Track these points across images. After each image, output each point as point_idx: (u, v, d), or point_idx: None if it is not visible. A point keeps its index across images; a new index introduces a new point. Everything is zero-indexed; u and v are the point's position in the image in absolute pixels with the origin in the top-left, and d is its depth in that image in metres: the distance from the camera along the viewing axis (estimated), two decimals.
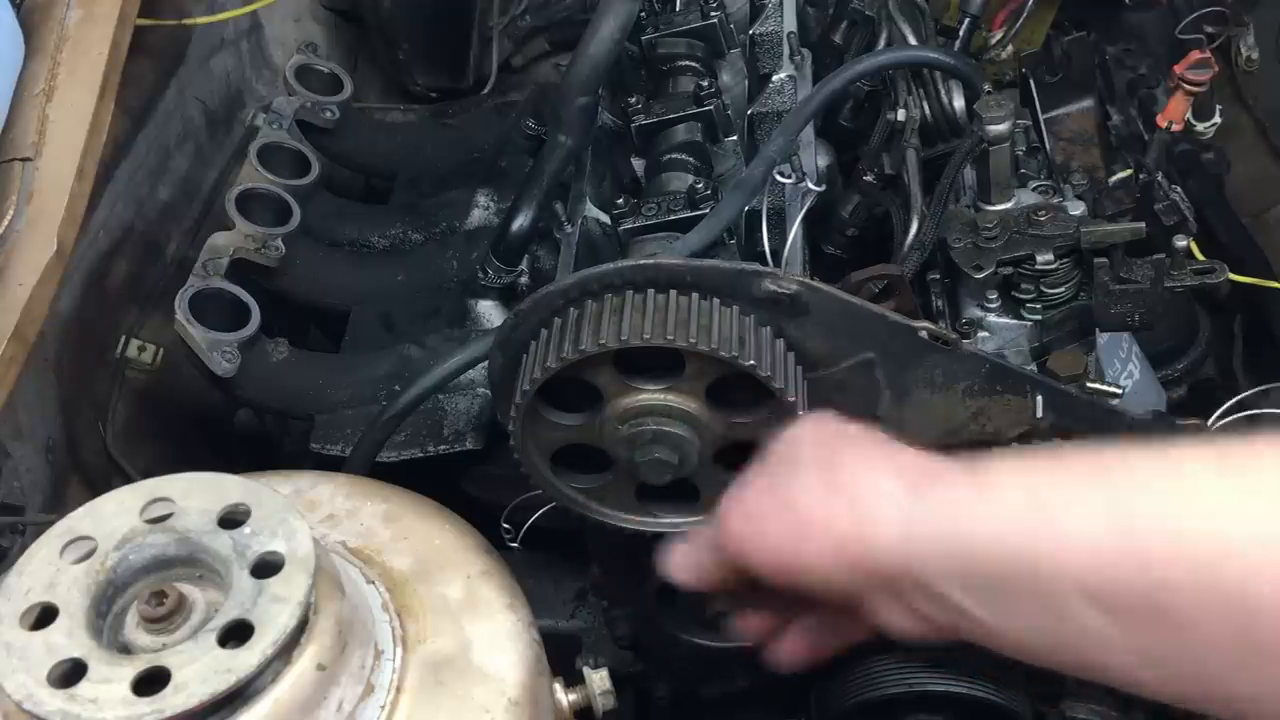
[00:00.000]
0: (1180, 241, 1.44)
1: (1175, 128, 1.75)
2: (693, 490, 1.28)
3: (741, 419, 1.22)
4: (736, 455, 1.19)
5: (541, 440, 1.27)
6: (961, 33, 1.88)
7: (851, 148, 1.77)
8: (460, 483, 1.64)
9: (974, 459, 0.97)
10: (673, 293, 1.16)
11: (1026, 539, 0.86)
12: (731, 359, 1.14)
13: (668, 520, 1.31)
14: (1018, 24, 1.98)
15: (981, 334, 1.46)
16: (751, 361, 1.14)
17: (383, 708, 0.99)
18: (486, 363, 1.31)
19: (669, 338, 1.13)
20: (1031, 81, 1.93)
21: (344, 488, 1.22)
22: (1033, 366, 1.41)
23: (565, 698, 1.19)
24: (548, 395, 1.23)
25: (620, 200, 1.52)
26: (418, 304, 1.80)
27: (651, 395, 1.20)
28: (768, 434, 1.12)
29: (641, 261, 1.20)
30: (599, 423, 1.23)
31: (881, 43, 1.81)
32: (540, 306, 1.20)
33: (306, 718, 0.92)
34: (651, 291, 1.17)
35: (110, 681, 0.87)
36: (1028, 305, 1.44)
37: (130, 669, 0.87)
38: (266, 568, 0.92)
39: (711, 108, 1.62)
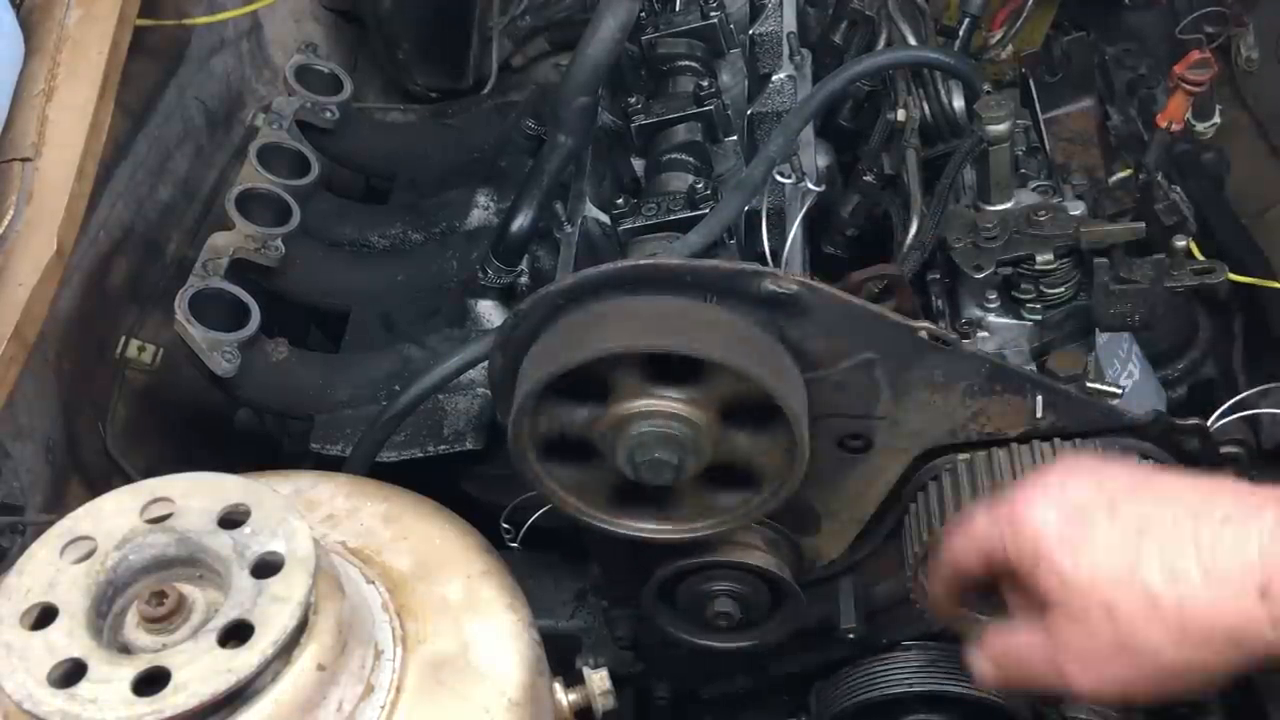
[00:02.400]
0: (1180, 241, 1.44)
1: (1175, 128, 1.75)
2: (746, 470, 1.26)
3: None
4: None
5: (563, 482, 1.28)
6: (961, 33, 1.88)
7: (851, 148, 1.77)
8: (460, 483, 1.64)
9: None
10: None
11: None
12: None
13: (738, 509, 1.29)
14: (1018, 24, 1.98)
15: (981, 334, 1.46)
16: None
17: (383, 708, 0.99)
18: (486, 363, 1.31)
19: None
20: (1031, 81, 1.93)
21: (344, 488, 1.22)
22: (1032, 366, 1.41)
23: (565, 698, 1.19)
24: (556, 456, 1.24)
25: (620, 200, 1.52)
26: (418, 304, 1.80)
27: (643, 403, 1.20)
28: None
29: (641, 261, 1.20)
30: (603, 458, 1.23)
31: (881, 43, 1.81)
32: (540, 306, 1.20)
33: (306, 718, 0.92)
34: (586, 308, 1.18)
35: (110, 681, 0.87)
36: (1028, 305, 1.44)
37: (130, 669, 0.87)
38: (266, 568, 0.92)
39: (711, 108, 1.62)
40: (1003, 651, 1.06)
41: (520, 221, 1.59)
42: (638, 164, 1.71)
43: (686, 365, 1.15)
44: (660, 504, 1.28)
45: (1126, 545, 0.94)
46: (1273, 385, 1.61)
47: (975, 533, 1.04)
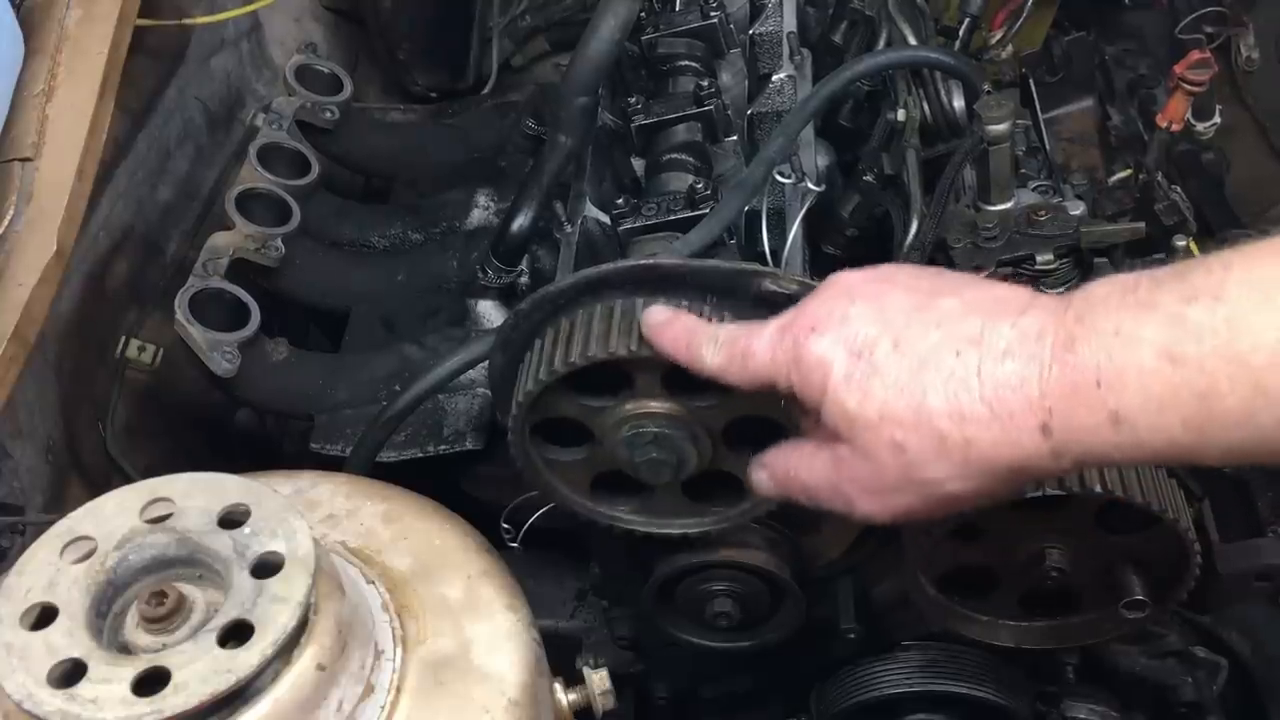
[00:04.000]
0: (1180, 241, 1.44)
1: (1175, 128, 1.75)
2: (734, 480, 1.28)
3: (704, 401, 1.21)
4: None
5: (568, 476, 1.29)
6: (961, 33, 1.88)
7: (851, 148, 1.77)
8: (460, 483, 1.65)
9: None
10: (580, 313, 1.18)
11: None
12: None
13: (718, 514, 1.31)
14: (1018, 24, 1.98)
15: None
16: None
17: (383, 708, 0.99)
18: (486, 363, 1.32)
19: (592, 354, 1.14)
20: (1031, 81, 1.94)
21: (344, 488, 1.22)
22: None
23: (565, 698, 1.19)
24: (547, 434, 1.25)
25: (620, 200, 1.52)
26: (418, 304, 1.80)
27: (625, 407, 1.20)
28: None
29: (641, 261, 1.20)
30: (599, 446, 1.24)
31: (881, 43, 1.81)
32: (540, 306, 1.20)
33: (306, 718, 0.92)
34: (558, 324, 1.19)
35: (110, 681, 0.87)
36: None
37: (130, 669, 0.87)
38: (266, 568, 0.92)
39: (711, 108, 1.62)
40: (786, 468, 1.08)
41: (520, 221, 1.59)
42: (638, 164, 1.70)
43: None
44: (642, 497, 1.29)
45: (911, 382, 0.93)
46: None
47: (759, 365, 1.03)
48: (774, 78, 1.71)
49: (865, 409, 0.95)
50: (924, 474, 0.95)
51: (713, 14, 1.72)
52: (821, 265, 1.66)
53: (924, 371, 0.93)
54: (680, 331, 1.10)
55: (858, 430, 0.97)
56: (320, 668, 0.92)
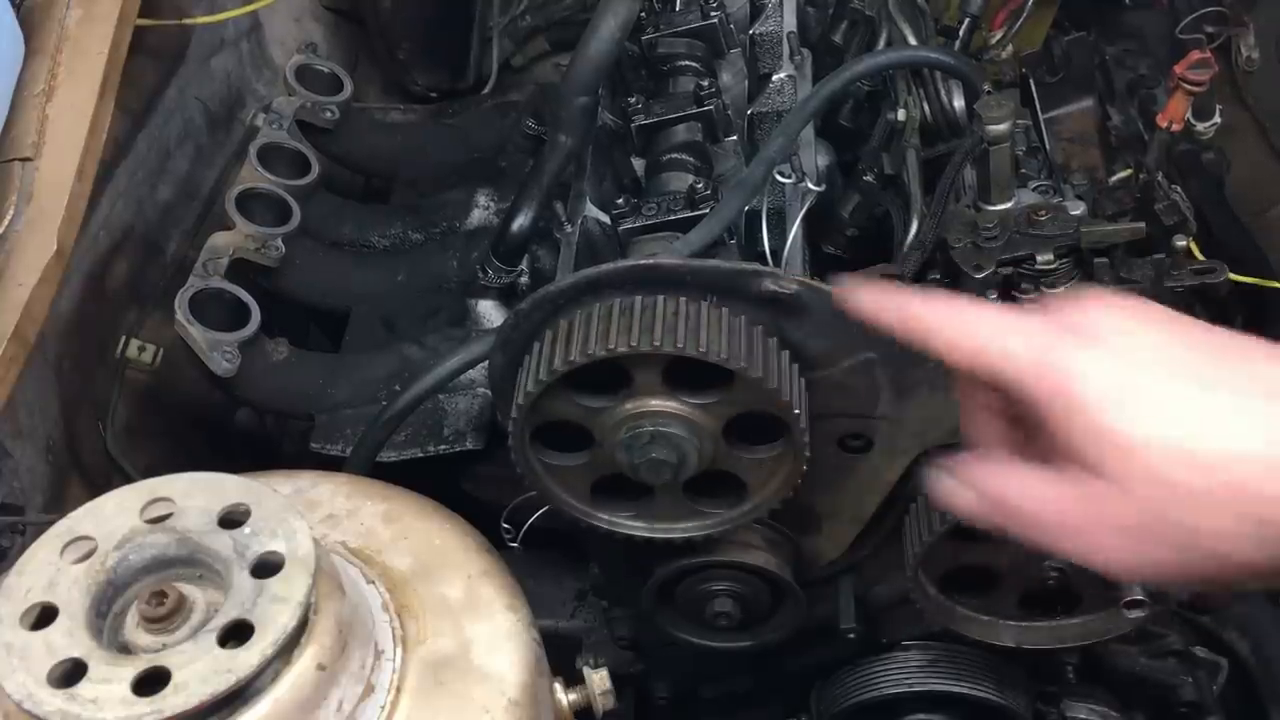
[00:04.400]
0: (1180, 241, 1.44)
1: (1175, 128, 1.74)
2: (735, 480, 1.28)
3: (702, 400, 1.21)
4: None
5: (568, 481, 1.29)
6: (961, 33, 1.88)
7: (851, 148, 1.77)
8: (460, 483, 1.65)
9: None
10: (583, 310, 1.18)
11: None
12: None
13: (719, 516, 1.30)
14: (1018, 24, 1.98)
15: None
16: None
17: (383, 708, 0.99)
18: (486, 363, 1.32)
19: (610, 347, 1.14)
20: (1031, 81, 1.93)
21: (344, 488, 1.22)
22: None
23: (565, 698, 1.19)
24: (547, 439, 1.25)
25: (620, 200, 1.52)
26: (418, 304, 1.80)
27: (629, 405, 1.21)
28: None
29: (641, 261, 1.20)
30: (600, 449, 1.24)
31: (881, 43, 1.81)
32: (540, 306, 1.20)
33: (306, 718, 0.92)
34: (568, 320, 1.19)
35: (110, 681, 0.87)
36: (1028, 306, 1.43)
37: (130, 669, 0.87)
38: (266, 568, 0.92)
39: (711, 108, 1.62)
40: (1005, 489, 0.87)
41: (520, 221, 1.59)
42: (638, 164, 1.71)
43: (709, 373, 1.15)
44: (642, 502, 1.29)
45: (1188, 406, 0.78)
46: None
47: (993, 348, 0.86)
48: (774, 78, 1.71)
49: (1131, 431, 0.79)
50: (1191, 519, 0.78)
51: (713, 14, 1.72)
52: (821, 265, 1.66)
53: (1204, 396, 0.79)
54: (879, 292, 0.94)
55: (1116, 454, 0.79)
56: (320, 668, 0.92)
